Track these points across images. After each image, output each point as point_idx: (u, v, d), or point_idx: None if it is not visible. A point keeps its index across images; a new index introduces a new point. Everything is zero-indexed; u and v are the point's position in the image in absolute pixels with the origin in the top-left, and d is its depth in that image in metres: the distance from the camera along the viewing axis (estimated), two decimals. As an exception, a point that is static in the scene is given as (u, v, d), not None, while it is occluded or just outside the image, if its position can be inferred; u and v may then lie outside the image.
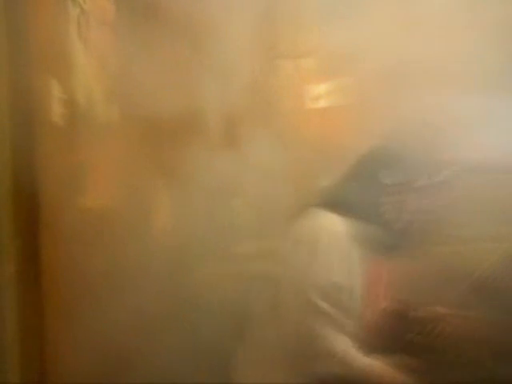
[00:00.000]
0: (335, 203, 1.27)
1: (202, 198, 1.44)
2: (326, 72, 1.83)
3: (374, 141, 1.44)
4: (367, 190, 1.28)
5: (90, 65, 1.42)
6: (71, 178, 1.33)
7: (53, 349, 1.27)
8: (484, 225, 1.61)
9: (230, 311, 1.34)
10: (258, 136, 1.57)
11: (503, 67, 1.69)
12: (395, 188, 1.31)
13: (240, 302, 1.33)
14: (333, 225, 1.24)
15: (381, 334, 1.27)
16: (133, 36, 1.47)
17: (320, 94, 1.81)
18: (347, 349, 1.17)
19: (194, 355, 1.30)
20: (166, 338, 1.33)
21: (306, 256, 1.20)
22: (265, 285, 1.29)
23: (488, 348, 1.29)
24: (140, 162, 1.38)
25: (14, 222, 1.18)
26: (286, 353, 1.20)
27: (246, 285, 1.37)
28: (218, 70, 1.59)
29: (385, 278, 1.34)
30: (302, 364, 1.17)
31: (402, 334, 1.31)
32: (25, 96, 1.22)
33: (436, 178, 1.38)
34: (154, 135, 1.43)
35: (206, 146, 1.51)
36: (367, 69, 1.73)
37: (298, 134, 1.66)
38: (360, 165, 1.38)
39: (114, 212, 1.39)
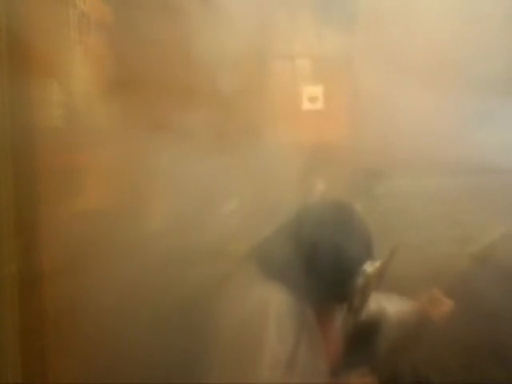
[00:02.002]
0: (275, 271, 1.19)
1: (196, 200, 1.45)
2: (322, 73, 1.85)
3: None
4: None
5: (89, 67, 1.43)
6: (71, 179, 1.34)
7: (53, 349, 1.27)
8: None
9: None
10: (255, 136, 1.60)
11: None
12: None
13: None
14: (276, 301, 1.16)
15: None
16: (131, 38, 1.48)
17: (316, 94, 1.82)
18: None
19: (189, 355, 1.31)
20: (163, 337, 1.34)
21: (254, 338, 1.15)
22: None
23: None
24: (138, 163, 1.39)
25: (14, 222, 1.18)
26: None
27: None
28: (217, 70, 1.60)
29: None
30: None
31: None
32: (24, 97, 1.23)
33: None
34: (152, 135, 1.44)
35: (198, 152, 1.52)
36: (364, 70, 1.75)
37: (294, 134, 1.67)
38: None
39: (114, 212, 1.40)
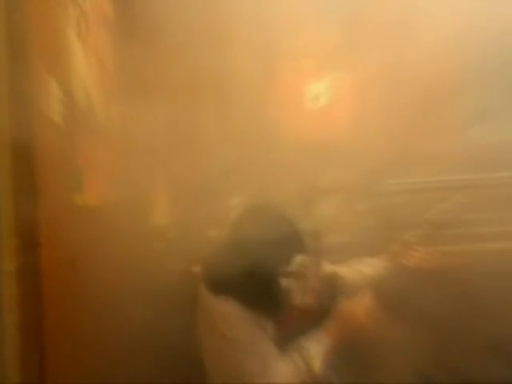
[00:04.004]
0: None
1: (200, 197, 1.44)
2: (324, 72, 1.84)
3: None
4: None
5: (89, 65, 1.42)
6: (71, 177, 1.33)
7: (53, 349, 1.26)
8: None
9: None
10: (258, 134, 1.59)
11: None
12: None
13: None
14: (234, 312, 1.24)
15: None
16: (131, 37, 1.48)
17: (318, 93, 1.82)
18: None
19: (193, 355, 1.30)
20: (164, 336, 1.33)
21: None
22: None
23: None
24: (138, 160, 1.38)
25: (13, 221, 1.18)
26: None
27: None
28: (220, 68, 1.60)
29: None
30: None
31: None
32: (24, 96, 1.23)
33: None
34: (154, 133, 1.44)
35: (201, 150, 1.52)
36: (365, 69, 1.75)
37: (297, 132, 1.67)
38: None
39: (114, 211, 1.39)
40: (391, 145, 1.64)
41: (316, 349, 1.29)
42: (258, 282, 1.25)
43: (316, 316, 1.34)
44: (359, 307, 1.33)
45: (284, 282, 1.24)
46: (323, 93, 1.83)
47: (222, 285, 1.26)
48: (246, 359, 1.22)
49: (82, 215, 1.31)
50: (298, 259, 1.26)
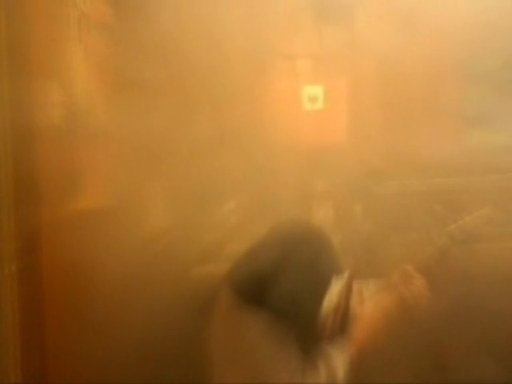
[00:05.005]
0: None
1: (196, 200, 1.45)
2: (322, 73, 1.84)
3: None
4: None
5: (89, 67, 1.43)
6: (71, 179, 1.34)
7: (53, 348, 1.28)
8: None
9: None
10: (254, 137, 1.59)
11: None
12: None
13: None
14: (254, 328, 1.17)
15: None
16: (131, 39, 1.48)
17: (315, 95, 1.82)
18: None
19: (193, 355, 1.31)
20: (162, 337, 1.34)
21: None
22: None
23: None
24: (138, 164, 1.39)
25: (14, 222, 1.19)
26: None
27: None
28: (217, 70, 1.60)
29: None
30: None
31: None
32: (25, 98, 1.23)
33: None
34: (151, 136, 1.44)
35: (199, 152, 1.52)
36: (364, 70, 1.75)
37: (294, 135, 1.67)
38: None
39: (113, 212, 1.40)
40: (389, 147, 1.65)
41: (341, 359, 1.27)
42: (293, 306, 1.22)
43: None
44: (379, 309, 1.32)
45: (321, 315, 1.20)
46: (320, 95, 1.82)
47: (256, 297, 1.22)
48: (272, 369, 1.22)
49: (82, 219, 1.32)
50: (335, 290, 1.20)
